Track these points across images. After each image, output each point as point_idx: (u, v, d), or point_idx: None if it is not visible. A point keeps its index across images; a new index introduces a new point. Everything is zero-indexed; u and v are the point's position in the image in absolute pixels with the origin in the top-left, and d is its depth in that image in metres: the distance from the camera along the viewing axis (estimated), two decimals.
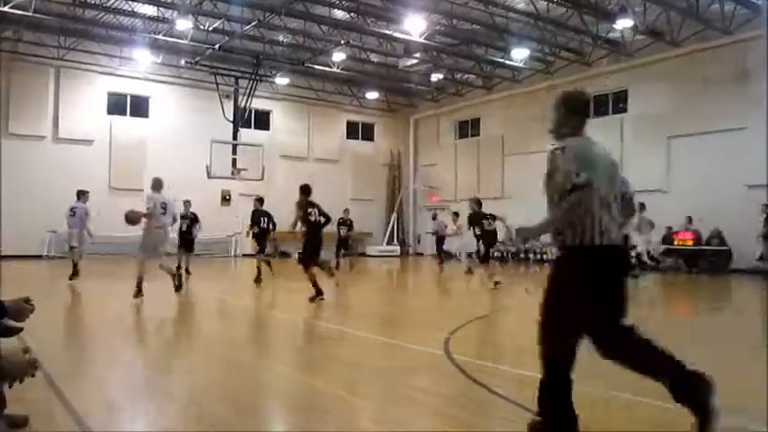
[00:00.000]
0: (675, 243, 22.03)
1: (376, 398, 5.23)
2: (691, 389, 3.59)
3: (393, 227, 33.32)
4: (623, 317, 3.80)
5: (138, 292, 11.31)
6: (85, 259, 15.99)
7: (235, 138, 26.08)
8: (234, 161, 25.39)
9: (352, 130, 34.00)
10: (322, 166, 31.94)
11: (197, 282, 16.33)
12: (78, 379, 5.56)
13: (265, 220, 16.95)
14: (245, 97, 26.46)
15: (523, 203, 27.13)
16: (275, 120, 31.33)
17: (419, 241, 34.18)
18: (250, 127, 29.80)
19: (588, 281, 3.76)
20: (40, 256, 24.15)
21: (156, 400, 5.06)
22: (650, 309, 11.78)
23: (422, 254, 32.52)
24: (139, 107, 27.96)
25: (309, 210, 12.15)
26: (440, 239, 23.68)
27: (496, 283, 14.90)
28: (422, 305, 12.48)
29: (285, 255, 29.54)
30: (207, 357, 6.90)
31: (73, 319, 9.97)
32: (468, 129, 32.25)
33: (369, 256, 30.82)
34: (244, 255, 27.95)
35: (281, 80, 29.14)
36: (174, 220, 12.54)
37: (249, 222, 16.96)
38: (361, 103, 33.04)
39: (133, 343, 7.87)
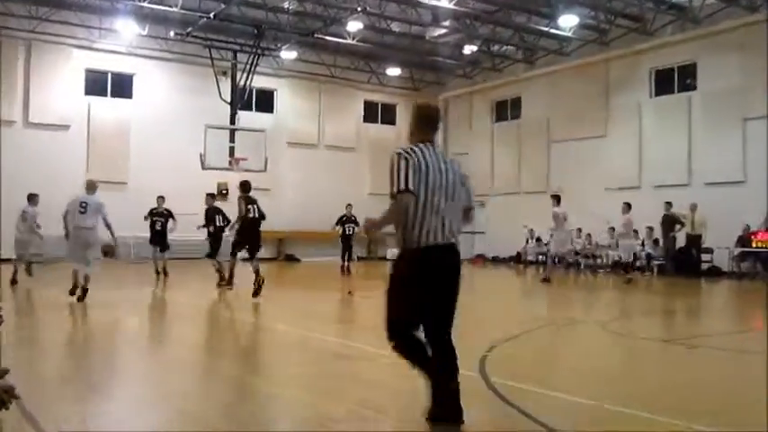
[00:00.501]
0: (754, 245, 21.80)
1: (394, 424, 5.21)
2: (446, 404, 4.95)
3: None
4: (440, 313, 5.11)
5: (77, 297, 12.69)
6: (54, 265, 16.30)
7: (233, 122, 26.25)
8: (232, 149, 25.52)
9: (371, 113, 34.09)
10: (335, 155, 32.09)
11: (174, 286, 16.52)
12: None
13: (220, 218, 17.65)
14: (245, 74, 26.58)
15: (573, 199, 27.03)
16: (280, 101, 31.49)
17: None
18: (251, 109, 29.95)
19: (407, 278, 5.03)
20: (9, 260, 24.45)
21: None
22: (724, 320, 11.67)
23: (559, 260, 32.43)
24: (122, 87, 28.20)
25: (249, 206, 14.49)
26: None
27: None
28: (456, 317, 12.46)
29: (292, 258, 29.70)
30: (205, 380, 6.98)
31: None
32: (508, 110, 32.17)
33: (391, 260, 30.74)
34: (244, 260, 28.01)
35: (288, 54, 29.27)
36: (105, 220, 13.52)
37: (203, 222, 17.77)
38: (380, 80, 33.07)
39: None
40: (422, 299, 5.03)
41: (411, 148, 5.06)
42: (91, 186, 13.79)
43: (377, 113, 34.31)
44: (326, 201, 27.23)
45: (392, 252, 31.17)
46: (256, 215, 14.53)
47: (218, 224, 17.53)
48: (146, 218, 19.17)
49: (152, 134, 27.78)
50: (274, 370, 7.36)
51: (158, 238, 19.04)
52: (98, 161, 26.90)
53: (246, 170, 25.47)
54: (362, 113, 33.67)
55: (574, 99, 27.72)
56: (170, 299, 15.31)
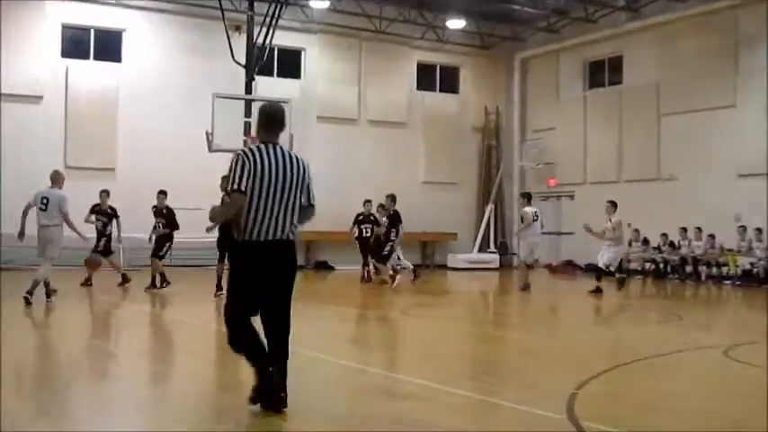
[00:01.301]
0: None
1: None
2: (268, 392, 6.87)
3: (488, 226, 33.33)
4: (272, 308, 6.95)
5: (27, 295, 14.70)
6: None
7: (249, 91, 26.42)
8: (247, 126, 25.71)
9: (426, 78, 34.06)
10: (380, 133, 32.17)
11: (171, 299, 16.76)
12: None
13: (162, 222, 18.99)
14: (265, 30, 26.80)
15: (692, 189, 26.77)
16: (309, 63, 31.66)
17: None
18: (272, 75, 30.18)
19: (239, 270, 7.06)
20: None
21: None
22: None
23: (532, 266, 32.36)
24: (108, 47, 28.48)
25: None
26: None
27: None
28: (533, 344, 12.48)
29: (324, 266, 29.86)
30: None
31: None
32: (605, 73, 31.94)
33: (452, 268, 30.86)
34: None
35: (319, 3, 29.44)
36: (65, 216, 14.90)
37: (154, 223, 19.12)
38: (439, 35, 33.07)
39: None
40: (254, 293, 6.90)
41: (251, 149, 6.91)
42: (55, 179, 15.00)
43: (434, 79, 34.28)
44: (368, 192, 26.97)
45: (453, 258, 31.31)
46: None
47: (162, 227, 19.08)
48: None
49: (146, 107, 27.99)
50: (308, 412, 7.40)
51: (98, 242, 19.77)
52: (78, 141, 27.27)
53: None
54: (416, 79, 33.67)
55: (692, 59, 27.35)
56: (169, 315, 15.54)
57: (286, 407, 6.80)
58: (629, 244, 28.55)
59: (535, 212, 21.32)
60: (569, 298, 19.85)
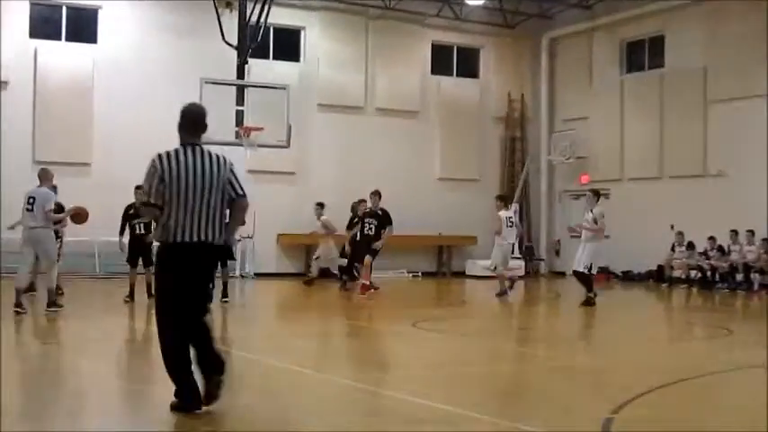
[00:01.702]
0: None
1: None
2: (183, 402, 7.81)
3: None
4: (191, 309, 7.82)
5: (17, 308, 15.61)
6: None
7: (241, 75, 26.46)
8: (240, 115, 25.81)
9: (442, 60, 34.11)
10: (389, 123, 32.19)
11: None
12: None
13: (141, 225, 19.16)
14: (259, 7, 26.88)
15: (745, 185, 26.70)
16: (310, 44, 31.68)
17: (558, 252, 34.33)
18: (267, 57, 30.26)
19: (162, 271, 8.03)
20: None
21: None
22: None
23: (563, 273, 32.46)
24: (82, 26, 28.60)
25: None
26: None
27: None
28: (563, 361, 12.53)
29: (327, 274, 29.86)
30: None
31: None
32: (645, 55, 31.97)
33: (471, 276, 30.85)
34: (258, 273, 28.51)
35: None
36: (47, 214, 15.59)
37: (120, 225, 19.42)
38: (456, 12, 33.11)
39: None
40: (173, 294, 7.82)
41: (168, 153, 7.88)
42: (43, 177, 15.59)
43: (451, 62, 34.35)
44: (376, 188, 27.03)
45: (473, 265, 31.35)
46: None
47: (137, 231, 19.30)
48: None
49: (125, 94, 28.02)
50: None
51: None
52: (48, 133, 27.27)
53: (261, 145, 25.72)
54: (430, 62, 33.71)
55: (744, 39, 27.29)
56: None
57: (203, 407, 7.80)
58: (672, 249, 28.60)
59: (509, 218, 22.53)
60: (601, 309, 19.85)
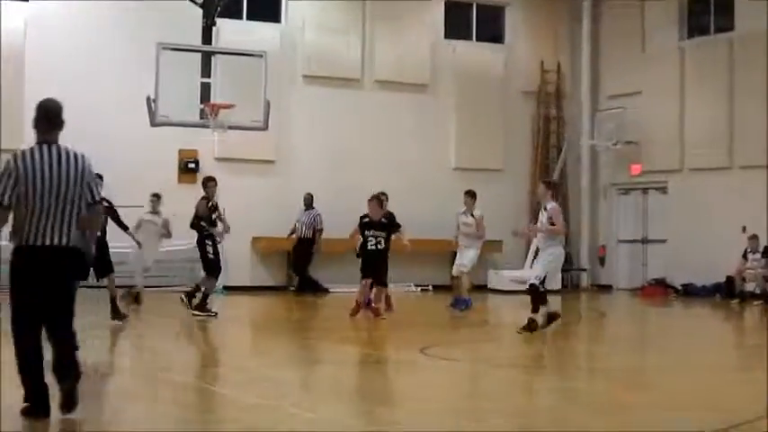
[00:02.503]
0: None
1: None
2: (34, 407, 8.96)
3: None
4: (46, 314, 9.01)
5: None
6: None
7: (208, 40, 26.38)
8: (206, 89, 25.81)
9: (459, 22, 34.16)
10: (392, 99, 32.25)
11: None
12: None
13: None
14: None
15: None
16: (294, 2, 31.73)
17: (602, 261, 34.28)
18: (240, 17, 30.36)
19: (14, 275, 8.95)
20: None
21: None
22: None
23: (609, 287, 32.48)
24: None
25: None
26: None
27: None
28: (616, 398, 12.46)
29: (314, 287, 29.82)
30: None
31: None
32: (710, 16, 31.96)
33: (495, 290, 30.90)
34: (229, 287, 28.34)
35: None
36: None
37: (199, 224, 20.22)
38: None
39: None
40: (25, 299, 8.91)
41: (23, 153, 8.91)
42: None
43: (470, 23, 34.43)
44: (375, 183, 26.92)
45: (497, 276, 31.33)
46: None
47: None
48: None
49: (65, 64, 28.05)
50: None
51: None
52: None
53: (233, 127, 25.73)
54: (443, 24, 33.78)
55: None
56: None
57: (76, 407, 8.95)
58: (744, 256, 28.54)
59: (480, 218, 23.54)
60: (653, 332, 19.86)
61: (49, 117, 9.22)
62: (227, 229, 22.03)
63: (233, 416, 10.39)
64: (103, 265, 18.59)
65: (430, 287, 31.17)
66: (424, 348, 16.05)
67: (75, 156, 9.09)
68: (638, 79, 32.71)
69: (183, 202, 25.77)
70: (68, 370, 8.96)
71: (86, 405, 9.41)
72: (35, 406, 8.91)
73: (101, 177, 19.42)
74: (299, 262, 29.43)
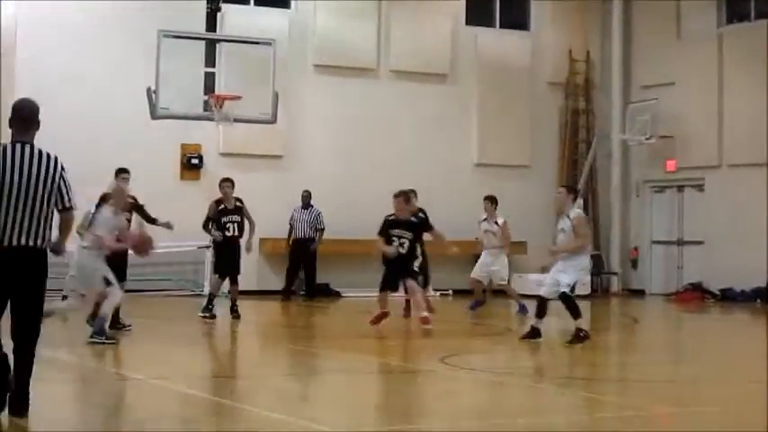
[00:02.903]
0: None
1: None
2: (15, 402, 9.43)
3: None
4: (13, 315, 9.47)
5: None
6: None
7: (212, 27, 26.53)
8: (211, 80, 25.81)
9: (481, 7, 34.21)
10: (409, 89, 32.29)
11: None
12: None
13: (234, 224, 20.94)
14: None
15: None
16: None
17: (634, 264, 34.25)
18: (246, 2, 30.41)
19: None
20: None
21: None
22: None
23: (642, 291, 32.44)
24: None
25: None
26: None
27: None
28: (642, 409, 12.46)
29: (324, 291, 29.81)
30: None
31: None
32: (750, 1, 31.89)
33: (519, 295, 30.77)
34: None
35: None
36: None
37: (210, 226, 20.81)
38: None
39: None
40: None
41: None
42: None
43: (492, 9, 34.41)
44: (390, 180, 26.90)
45: (521, 280, 31.24)
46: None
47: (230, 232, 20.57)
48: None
49: (59, 54, 28.12)
50: None
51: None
52: None
53: (239, 119, 25.75)
54: (465, 9, 33.79)
55: None
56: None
57: (28, 410, 9.44)
58: None
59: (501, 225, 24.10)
60: (689, 339, 19.82)
61: (23, 117, 9.75)
62: (252, 227, 22.85)
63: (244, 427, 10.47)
64: (120, 274, 18.16)
65: (450, 292, 31.04)
66: (444, 357, 16.04)
67: (49, 157, 9.58)
68: (673, 69, 32.69)
69: (185, 200, 25.94)
70: (29, 368, 9.43)
71: (87, 410, 9.42)
72: (11, 400, 9.36)
73: (127, 172, 19.81)
74: (301, 265, 29.26)
